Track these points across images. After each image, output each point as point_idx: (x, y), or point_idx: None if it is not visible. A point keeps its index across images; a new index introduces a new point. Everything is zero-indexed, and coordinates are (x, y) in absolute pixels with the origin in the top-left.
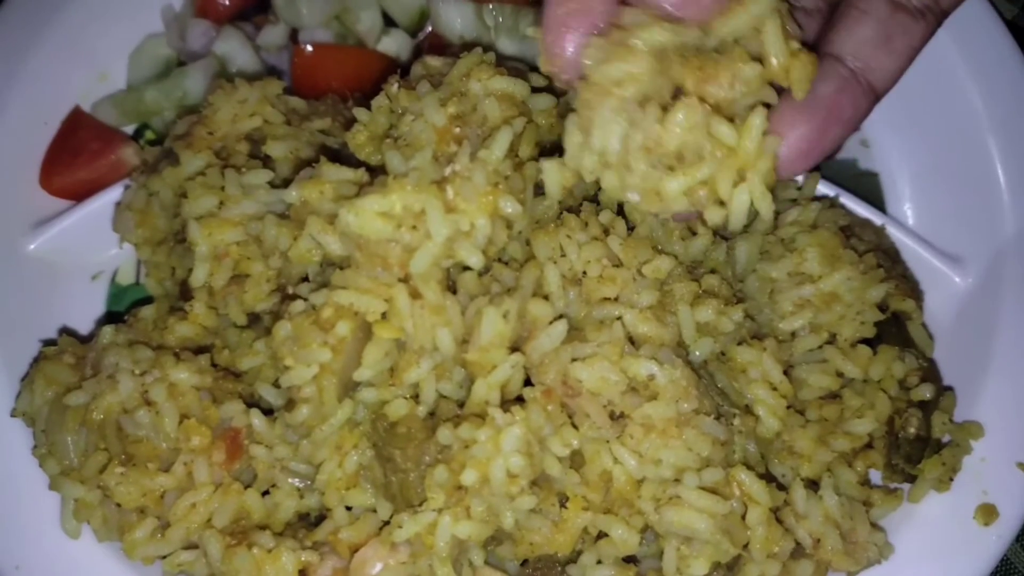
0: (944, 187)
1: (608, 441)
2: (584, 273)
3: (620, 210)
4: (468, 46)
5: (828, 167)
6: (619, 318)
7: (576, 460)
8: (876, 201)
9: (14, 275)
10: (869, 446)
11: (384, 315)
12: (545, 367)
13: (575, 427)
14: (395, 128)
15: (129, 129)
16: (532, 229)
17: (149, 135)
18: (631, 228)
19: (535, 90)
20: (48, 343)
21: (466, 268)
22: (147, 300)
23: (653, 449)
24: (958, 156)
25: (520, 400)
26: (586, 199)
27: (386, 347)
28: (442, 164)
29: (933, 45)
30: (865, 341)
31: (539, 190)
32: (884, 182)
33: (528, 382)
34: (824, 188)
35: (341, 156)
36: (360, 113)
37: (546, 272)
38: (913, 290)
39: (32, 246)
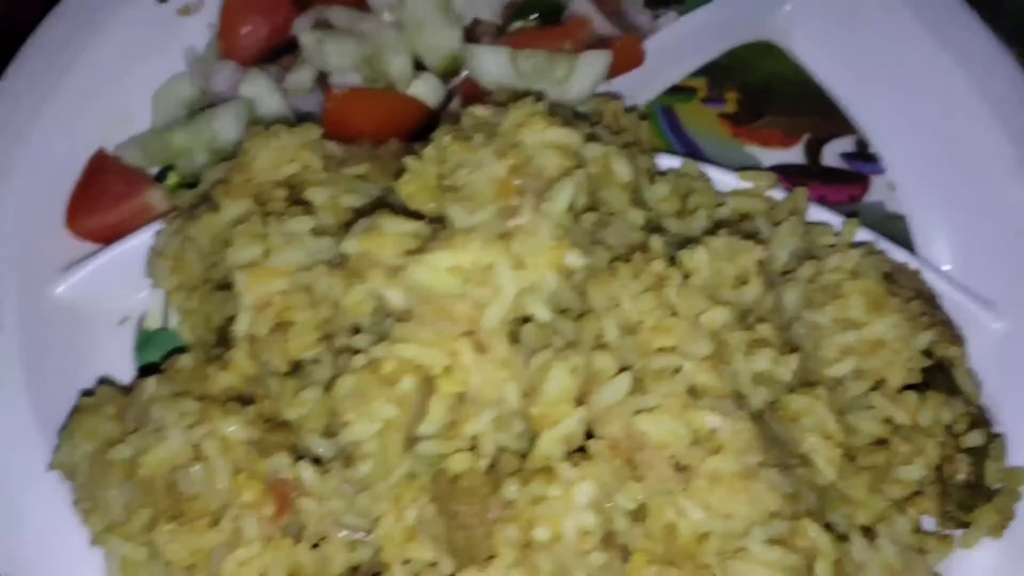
0: (974, 230)
1: (672, 494)
2: (640, 323)
3: (672, 259)
4: (517, 95)
5: (854, 210)
6: (678, 369)
7: (638, 513)
8: (905, 244)
9: (42, 320)
10: (919, 493)
11: (447, 368)
12: (608, 420)
13: (638, 480)
14: (448, 179)
15: (153, 171)
16: (586, 278)
17: (173, 177)
18: (685, 277)
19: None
20: (85, 393)
21: (526, 319)
22: (178, 347)
23: (721, 503)
24: (986, 198)
25: (581, 451)
26: (640, 248)
27: (449, 401)
28: (505, 217)
29: (956, 89)
30: (911, 387)
31: (593, 240)
32: (912, 225)
33: (589, 434)
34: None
35: (386, 204)
36: (410, 162)
37: (605, 323)
38: (956, 336)
39: (59, 290)
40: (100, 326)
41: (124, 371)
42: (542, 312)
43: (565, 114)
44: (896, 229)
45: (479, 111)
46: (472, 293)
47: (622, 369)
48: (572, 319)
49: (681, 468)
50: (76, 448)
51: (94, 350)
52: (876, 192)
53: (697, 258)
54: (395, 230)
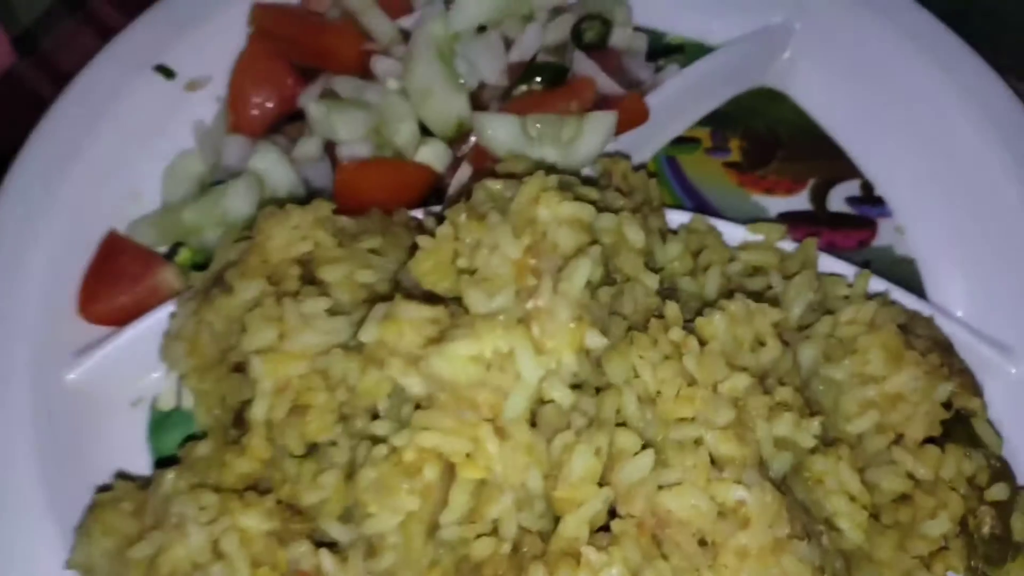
0: (986, 272)
1: (698, 570)
2: (659, 393)
3: (688, 324)
4: (529, 167)
5: (863, 255)
6: (699, 440)
7: None
8: (916, 288)
9: (55, 407)
10: (945, 548)
11: (468, 455)
12: (632, 497)
13: (664, 558)
14: (463, 257)
15: (162, 249)
16: (603, 350)
17: (185, 253)
18: (702, 344)
19: (595, 207)
20: (102, 488)
21: (546, 401)
22: (192, 433)
23: None
24: (998, 239)
25: (606, 530)
26: (653, 316)
27: (470, 488)
28: (523, 299)
29: (961, 129)
30: (931, 440)
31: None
32: (923, 269)
33: (611, 512)
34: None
35: (400, 281)
36: (424, 241)
37: (624, 398)
38: (975, 386)
39: (72, 376)
40: (113, 409)
41: (138, 454)
42: (563, 396)
43: (573, 181)
44: (906, 273)
45: (492, 185)
46: (493, 381)
47: (644, 445)
48: (590, 394)
49: (706, 543)
50: (94, 546)
51: (107, 434)
52: (884, 236)
53: (715, 324)
54: (413, 316)
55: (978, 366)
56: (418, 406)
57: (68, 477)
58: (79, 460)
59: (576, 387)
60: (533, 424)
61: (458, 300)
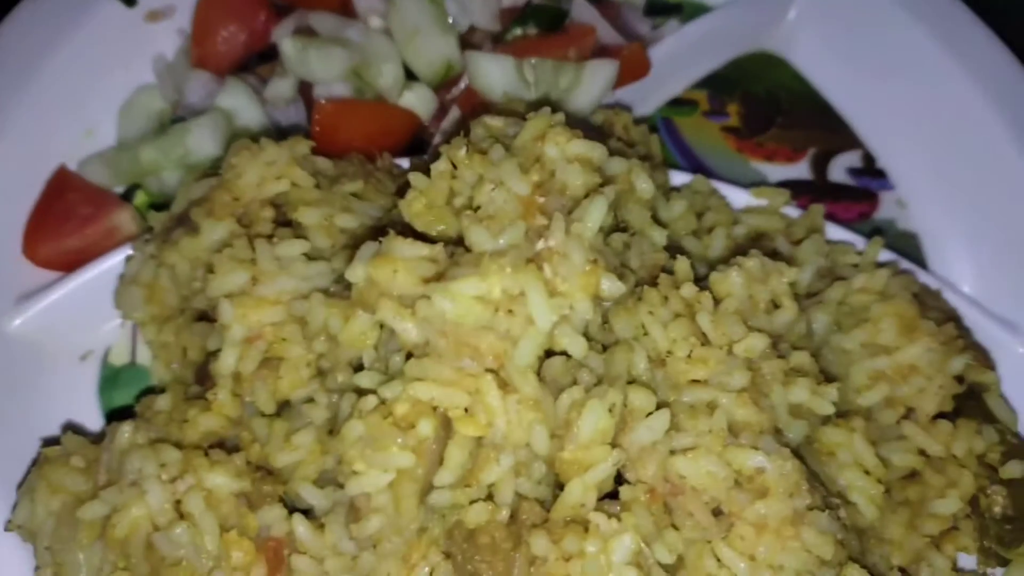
0: (993, 248)
1: (711, 542)
2: (669, 352)
3: (699, 280)
4: (532, 105)
5: (863, 228)
6: (714, 404)
7: (673, 565)
8: (918, 264)
9: None
10: (955, 528)
11: (467, 409)
12: (643, 462)
13: (675, 527)
14: (460, 195)
15: (118, 190)
16: (610, 306)
17: (141, 197)
18: (716, 302)
19: None
20: (48, 442)
21: (551, 353)
22: (150, 387)
23: (770, 552)
24: (1005, 215)
25: (612, 497)
26: (663, 270)
27: (469, 446)
28: (532, 239)
29: (967, 101)
30: (941, 415)
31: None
32: (926, 244)
33: (618, 477)
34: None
35: (385, 225)
36: (417, 179)
37: (634, 355)
38: (989, 360)
39: (15, 323)
40: (60, 362)
41: (88, 412)
42: (577, 345)
43: (582, 126)
44: (909, 247)
45: (492, 121)
46: (500, 325)
47: (657, 406)
48: (596, 351)
49: (720, 513)
50: (38, 506)
51: (54, 389)
52: (886, 209)
53: (731, 281)
54: (408, 254)
55: (985, 344)
56: (409, 357)
57: (9, 433)
58: (21, 415)
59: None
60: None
61: (455, 244)
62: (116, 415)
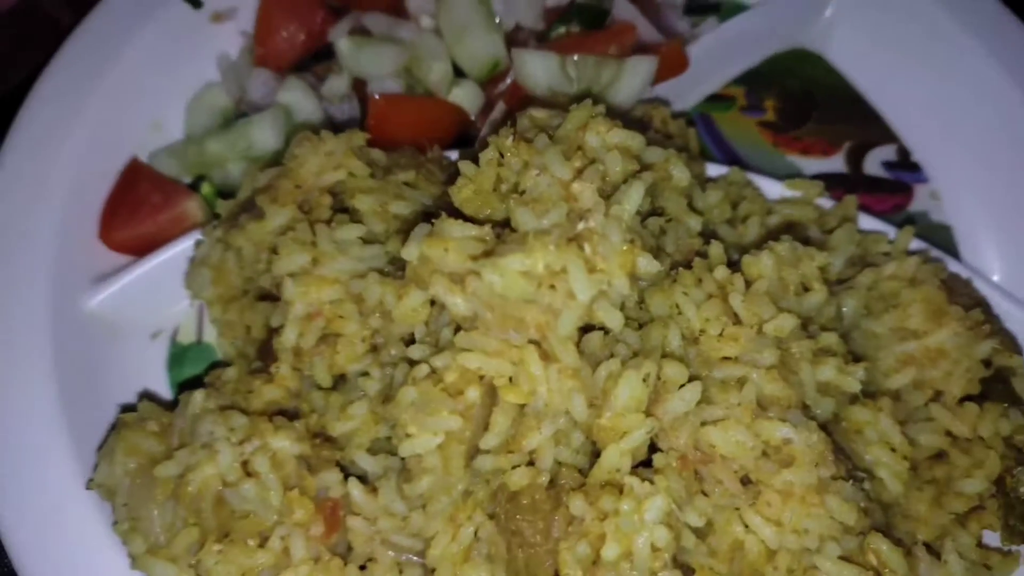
0: (1022, 240)
1: (738, 509)
2: (702, 331)
3: (733, 265)
4: (575, 98)
5: (896, 220)
6: (744, 379)
7: (702, 529)
8: (951, 255)
9: (75, 334)
10: (980, 507)
11: (510, 379)
12: (676, 431)
13: (705, 494)
14: (506, 182)
15: (185, 181)
16: (646, 286)
17: (207, 188)
18: (747, 284)
19: None
20: (125, 408)
21: (589, 328)
22: (215, 362)
23: (795, 518)
24: None
25: (646, 465)
26: (697, 254)
27: (512, 413)
28: (573, 220)
29: (1002, 96)
30: (969, 398)
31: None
32: (958, 235)
33: (652, 447)
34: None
35: (436, 212)
36: (466, 167)
37: (668, 333)
38: (1016, 345)
39: (93, 303)
40: (133, 340)
41: (157, 387)
42: (614, 318)
43: (622, 119)
44: (942, 239)
45: (537, 113)
46: (543, 299)
47: (690, 379)
48: (633, 328)
49: (748, 482)
50: (116, 466)
51: (127, 365)
52: (920, 202)
53: (762, 264)
54: (459, 234)
55: (1012, 330)
56: (458, 331)
57: (87, 403)
58: (98, 387)
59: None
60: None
61: (502, 226)
62: (186, 385)
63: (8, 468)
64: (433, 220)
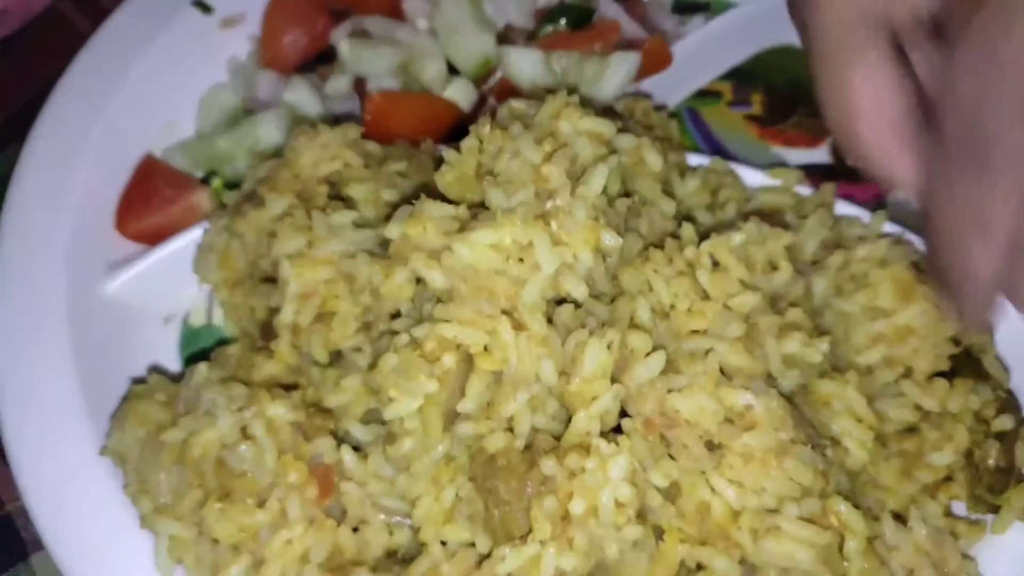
0: None
1: (705, 472)
2: (672, 307)
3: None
4: (552, 90)
5: (883, 203)
6: (710, 350)
7: (671, 492)
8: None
9: (93, 316)
10: (949, 478)
11: (486, 347)
12: (643, 398)
13: (672, 458)
14: (484, 167)
15: (197, 175)
16: (619, 264)
17: (217, 182)
18: (715, 263)
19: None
20: (136, 381)
21: (561, 302)
22: (224, 341)
23: (754, 479)
24: None
25: (617, 431)
26: (671, 236)
27: (487, 379)
28: (542, 199)
29: None
30: (940, 374)
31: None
32: None
33: (623, 414)
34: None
35: (424, 196)
36: (449, 153)
37: (638, 305)
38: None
39: (110, 288)
40: (147, 323)
41: (171, 366)
42: (579, 290)
43: (597, 107)
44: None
45: (516, 104)
46: (512, 270)
47: (655, 349)
48: (606, 303)
49: (714, 447)
50: (127, 434)
51: (141, 346)
52: (901, 191)
53: (728, 243)
54: (437, 213)
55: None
56: (440, 302)
57: (103, 380)
58: (113, 364)
59: (594, 298)
60: (550, 323)
61: (481, 207)
62: (193, 359)
63: (30, 441)
64: (414, 200)
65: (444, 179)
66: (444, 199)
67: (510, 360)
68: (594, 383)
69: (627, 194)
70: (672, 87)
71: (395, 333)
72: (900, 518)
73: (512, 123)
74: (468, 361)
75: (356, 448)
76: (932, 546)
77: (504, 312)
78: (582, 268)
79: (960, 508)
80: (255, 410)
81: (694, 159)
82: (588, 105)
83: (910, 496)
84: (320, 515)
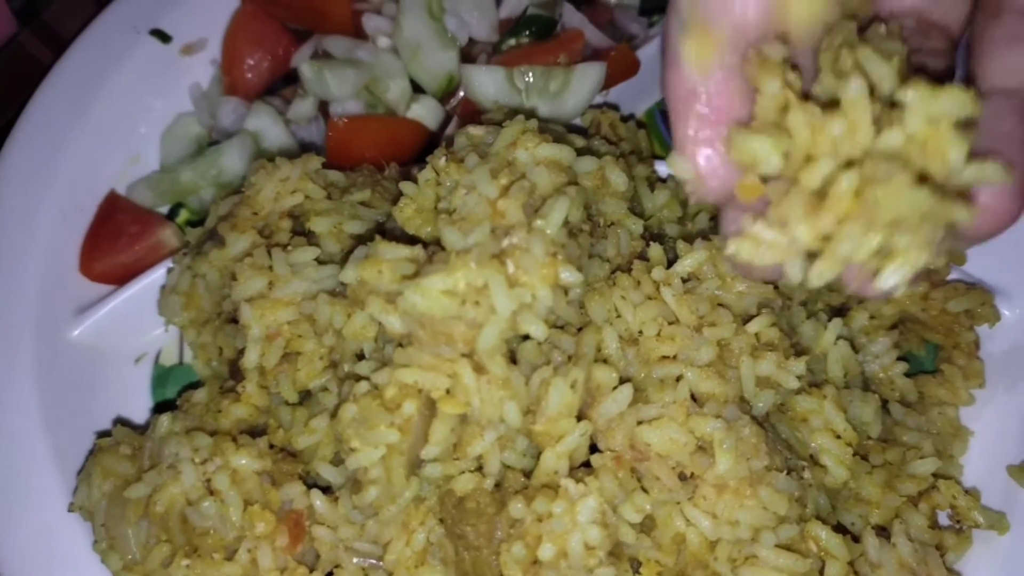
0: None
1: (679, 503)
2: (640, 332)
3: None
4: (510, 114)
5: None
6: (680, 377)
7: (646, 524)
8: None
9: (59, 363)
10: (933, 487)
11: (448, 391)
12: (612, 432)
13: (645, 491)
14: (444, 200)
15: (163, 209)
16: (585, 292)
17: (184, 214)
18: (685, 281)
19: (578, 152)
20: (102, 434)
21: (525, 337)
22: (194, 382)
23: (728, 510)
24: None
25: (587, 466)
26: (637, 257)
27: (451, 423)
28: (499, 236)
29: None
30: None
31: (591, 253)
32: None
33: (593, 447)
34: None
35: (386, 229)
36: (406, 187)
37: (604, 336)
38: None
39: (76, 333)
40: (117, 365)
41: (142, 408)
42: (538, 330)
43: (558, 130)
44: None
45: (473, 131)
46: (467, 314)
47: (623, 380)
48: (571, 334)
49: (686, 477)
50: (93, 489)
51: (112, 389)
52: None
53: (696, 256)
54: (391, 256)
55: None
56: (400, 346)
57: (72, 429)
58: (84, 413)
59: (559, 329)
60: (514, 361)
61: (439, 245)
62: (162, 408)
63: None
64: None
65: (403, 214)
66: (405, 234)
67: (473, 404)
68: (560, 422)
69: (592, 221)
70: (640, 94)
71: (359, 377)
72: (885, 532)
73: (468, 153)
74: (430, 406)
75: (327, 489)
76: (916, 562)
77: (464, 355)
78: (541, 308)
79: (945, 519)
80: (219, 462)
81: (664, 167)
82: (550, 126)
83: (894, 509)
84: (292, 563)
